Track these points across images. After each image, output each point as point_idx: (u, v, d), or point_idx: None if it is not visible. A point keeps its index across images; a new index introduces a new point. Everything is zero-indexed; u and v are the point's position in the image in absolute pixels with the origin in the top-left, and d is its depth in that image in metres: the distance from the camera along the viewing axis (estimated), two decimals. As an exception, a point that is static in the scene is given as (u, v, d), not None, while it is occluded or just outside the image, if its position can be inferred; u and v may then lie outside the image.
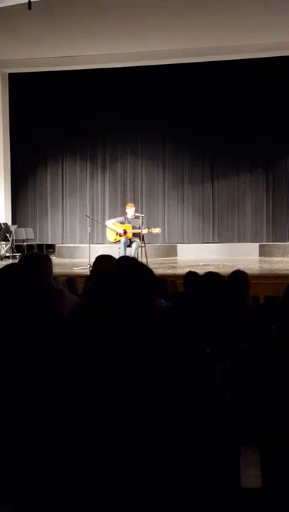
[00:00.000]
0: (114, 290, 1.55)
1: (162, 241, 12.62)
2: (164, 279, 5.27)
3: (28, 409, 1.48)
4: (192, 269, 5.80)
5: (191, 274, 5.42)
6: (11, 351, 1.66)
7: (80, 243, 12.71)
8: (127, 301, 1.52)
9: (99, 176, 13.29)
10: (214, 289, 3.76)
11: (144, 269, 1.70)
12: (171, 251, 12.13)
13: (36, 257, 2.80)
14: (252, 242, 12.30)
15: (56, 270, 9.12)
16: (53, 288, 2.56)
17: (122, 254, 9.43)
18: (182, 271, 7.83)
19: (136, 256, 9.50)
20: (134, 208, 10.04)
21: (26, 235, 12.40)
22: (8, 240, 11.74)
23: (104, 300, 1.55)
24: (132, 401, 1.41)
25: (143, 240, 9.73)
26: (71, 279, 5.48)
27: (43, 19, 10.55)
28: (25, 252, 10.60)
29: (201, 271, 5.20)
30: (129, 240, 9.65)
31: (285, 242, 11.99)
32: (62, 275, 6.86)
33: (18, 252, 11.77)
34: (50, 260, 2.89)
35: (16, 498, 1.45)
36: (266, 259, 11.11)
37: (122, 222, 9.86)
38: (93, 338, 1.51)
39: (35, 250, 12.05)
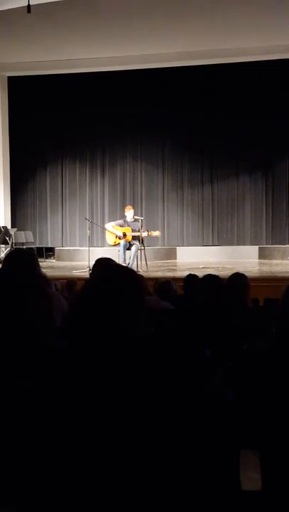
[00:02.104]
0: (101, 292, 1.56)
1: (162, 244, 12.62)
2: (169, 280, 5.25)
3: (29, 411, 1.48)
4: (192, 272, 5.81)
5: (191, 277, 5.42)
6: (12, 353, 1.66)
7: (79, 246, 12.71)
8: (114, 302, 1.53)
9: (98, 179, 13.30)
10: (214, 291, 3.76)
11: (128, 270, 1.72)
12: (171, 254, 12.13)
13: (22, 255, 2.72)
14: (251, 244, 12.29)
15: (56, 273, 9.19)
16: (43, 287, 2.52)
17: (122, 257, 9.44)
18: (182, 274, 7.84)
19: (135, 259, 9.51)
20: (132, 211, 10.05)
21: (26, 238, 12.40)
22: (8, 243, 11.74)
23: (92, 302, 1.56)
24: (131, 402, 1.41)
25: (142, 242, 9.74)
26: (72, 282, 5.48)
27: (42, 22, 10.58)
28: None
29: (200, 273, 5.20)
30: (129, 242, 9.65)
31: (284, 244, 12.00)
32: (61, 278, 6.87)
33: (17, 255, 11.74)
34: (36, 257, 2.84)
35: (19, 502, 1.44)
36: (266, 261, 11.11)
37: (121, 225, 9.86)
38: (86, 341, 1.51)
39: (35, 253, 12.07)
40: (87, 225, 10.31)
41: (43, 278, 2.10)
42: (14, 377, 1.58)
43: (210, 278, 4.27)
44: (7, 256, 2.81)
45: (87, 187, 13.32)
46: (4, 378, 1.58)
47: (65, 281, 5.68)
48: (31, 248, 12.08)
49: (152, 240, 11.70)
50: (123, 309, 1.52)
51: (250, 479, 1.42)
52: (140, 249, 9.65)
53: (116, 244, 9.76)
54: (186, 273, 5.76)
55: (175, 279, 6.44)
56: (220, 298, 3.68)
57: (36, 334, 1.74)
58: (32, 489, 1.45)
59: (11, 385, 1.54)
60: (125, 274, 1.63)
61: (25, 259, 2.61)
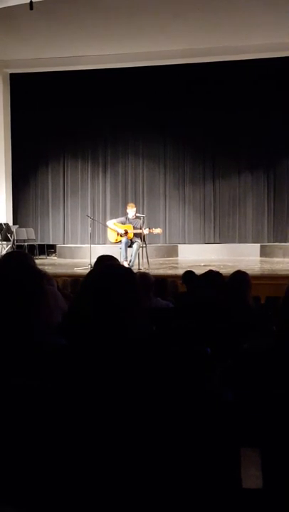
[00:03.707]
0: (100, 292, 1.56)
1: (163, 241, 12.62)
2: (164, 279, 5.27)
3: (30, 410, 1.48)
4: (193, 270, 5.80)
5: (189, 274, 5.44)
6: (11, 351, 1.66)
7: (81, 243, 12.71)
8: (113, 302, 1.53)
9: (100, 176, 13.29)
10: (215, 288, 3.76)
11: (127, 269, 1.73)
12: (172, 251, 12.13)
13: (18, 257, 2.71)
14: (253, 242, 12.29)
15: (57, 270, 9.19)
16: (43, 286, 2.51)
17: (123, 254, 9.44)
18: (183, 271, 7.83)
19: (137, 256, 9.52)
20: (135, 209, 10.05)
21: (27, 235, 12.41)
22: (10, 240, 11.75)
23: (92, 302, 1.56)
24: (131, 402, 1.41)
25: (144, 240, 9.73)
26: (77, 281, 5.46)
27: (45, 19, 10.57)
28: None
29: (202, 271, 5.20)
30: (130, 240, 9.65)
31: (286, 242, 11.99)
32: (63, 275, 6.87)
33: (19, 253, 11.74)
34: (32, 258, 2.84)
35: (17, 501, 1.45)
36: (267, 259, 11.10)
37: (123, 223, 9.86)
38: (86, 339, 1.52)
39: (37, 250, 12.10)
40: (89, 222, 10.30)
41: (44, 276, 2.09)
42: (13, 375, 1.58)
43: (211, 274, 4.26)
44: (3, 257, 2.78)
45: (89, 184, 13.32)
46: (3, 377, 1.58)
47: (68, 278, 5.67)
48: (32, 246, 12.10)
49: (154, 238, 11.70)
50: (122, 308, 1.53)
51: (251, 477, 1.42)
52: (142, 247, 9.64)
53: (117, 242, 9.76)
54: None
55: (177, 277, 6.44)
56: (221, 295, 3.68)
57: (34, 331, 1.75)
58: (32, 489, 1.45)
59: (11, 384, 1.55)
60: (124, 274, 1.63)
61: (23, 259, 2.61)
